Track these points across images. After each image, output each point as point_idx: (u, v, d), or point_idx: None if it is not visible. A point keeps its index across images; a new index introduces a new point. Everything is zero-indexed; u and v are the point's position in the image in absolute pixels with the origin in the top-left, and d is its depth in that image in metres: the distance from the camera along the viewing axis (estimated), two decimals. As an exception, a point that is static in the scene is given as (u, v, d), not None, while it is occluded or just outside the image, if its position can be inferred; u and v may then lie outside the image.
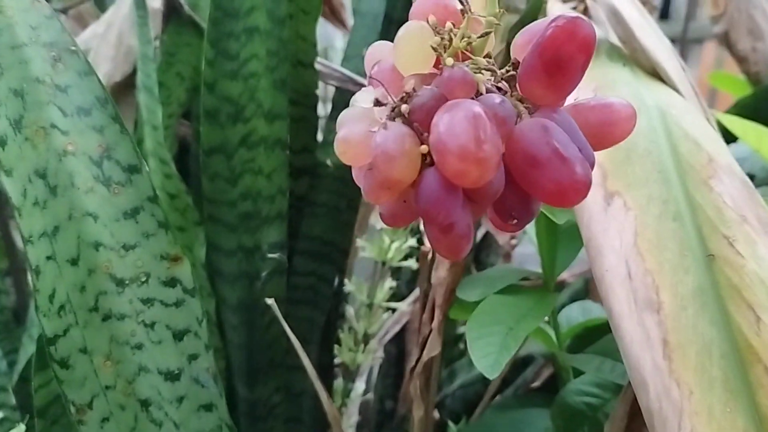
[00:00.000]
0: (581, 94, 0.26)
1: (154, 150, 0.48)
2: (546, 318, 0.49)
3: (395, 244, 0.71)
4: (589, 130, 0.24)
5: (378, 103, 0.24)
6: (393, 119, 0.22)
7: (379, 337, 0.78)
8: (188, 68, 0.54)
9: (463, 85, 0.22)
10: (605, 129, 0.25)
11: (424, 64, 0.23)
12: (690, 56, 1.17)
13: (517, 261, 0.80)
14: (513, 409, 0.56)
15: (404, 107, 0.22)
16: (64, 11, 0.71)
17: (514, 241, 0.76)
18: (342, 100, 0.57)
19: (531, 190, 0.22)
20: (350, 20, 0.77)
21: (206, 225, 0.49)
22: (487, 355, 0.40)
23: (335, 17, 0.74)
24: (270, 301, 0.47)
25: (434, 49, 0.23)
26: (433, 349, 0.48)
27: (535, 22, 0.23)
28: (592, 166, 0.23)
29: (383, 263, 0.73)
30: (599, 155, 0.35)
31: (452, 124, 0.20)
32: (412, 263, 0.65)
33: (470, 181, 0.21)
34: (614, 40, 0.40)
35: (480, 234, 0.82)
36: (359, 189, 0.24)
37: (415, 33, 0.22)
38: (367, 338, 0.71)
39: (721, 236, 0.30)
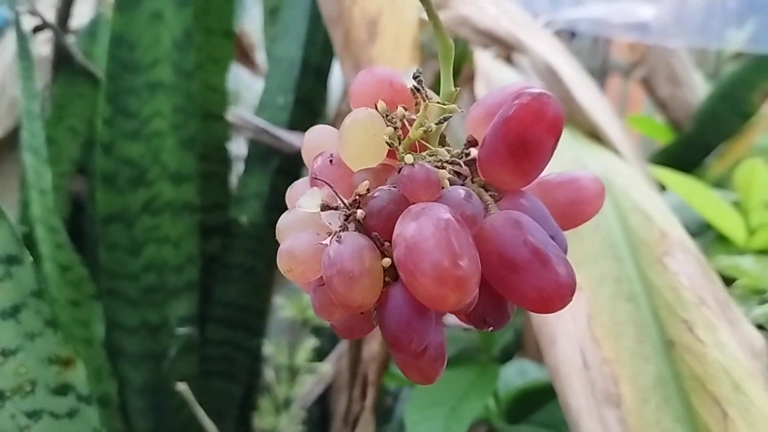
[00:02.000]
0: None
1: (42, 216, 0.41)
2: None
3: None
4: (558, 211, 0.21)
5: (326, 207, 0.20)
6: (347, 228, 0.19)
7: (300, 400, 0.73)
8: (82, 121, 0.48)
9: (427, 186, 0.18)
10: (575, 208, 0.22)
11: (376, 158, 0.20)
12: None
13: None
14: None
15: (359, 213, 0.18)
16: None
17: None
18: (257, 153, 0.53)
19: (509, 296, 0.19)
20: (263, 63, 0.73)
21: (105, 300, 0.43)
22: (430, 443, 0.36)
23: (246, 59, 0.70)
24: (182, 386, 0.42)
25: (389, 143, 0.19)
26: (366, 429, 0.44)
27: (490, 94, 0.20)
28: (565, 252, 0.20)
29: (304, 321, 0.68)
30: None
31: (420, 237, 0.16)
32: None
33: (448, 306, 0.17)
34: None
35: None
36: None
37: (364, 123, 0.19)
38: (288, 403, 0.66)
39: (680, 320, 0.28)
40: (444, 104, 0.19)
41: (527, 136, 0.19)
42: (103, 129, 0.38)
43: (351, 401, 0.45)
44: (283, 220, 0.20)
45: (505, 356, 0.53)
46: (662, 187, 0.52)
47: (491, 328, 0.20)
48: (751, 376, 0.27)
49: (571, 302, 0.30)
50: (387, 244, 0.18)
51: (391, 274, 0.18)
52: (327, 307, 0.19)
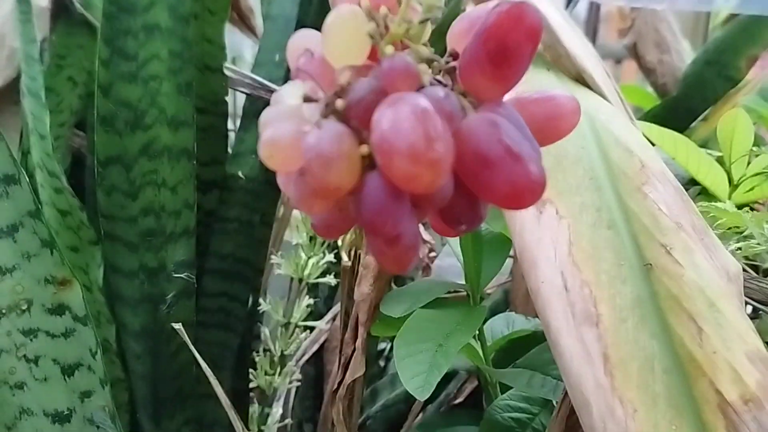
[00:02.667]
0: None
1: (41, 161, 0.42)
2: (471, 332, 0.47)
3: (312, 260, 0.68)
4: (534, 125, 0.22)
5: (308, 99, 0.21)
6: (327, 117, 0.20)
7: (296, 358, 0.74)
8: (81, 73, 0.49)
9: (405, 77, 0.19)
10: (551, 123, 0.23)
11: (358, 54, 0.21)
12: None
13: (436, 274, 0.79)
14: (438, 428, 0.54)
15: (339, 103, 0.19)
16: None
17: (433, 254, 0.74)
18: (253, 109, 0.53)
19: (482, 193, 0.20)
20: (260, 27, 0.73)
21: (103, 244, 0.44)
22: (417, 375, 0.37)
23: (244, 23, 0.70)
24: (177, 326, 0.43)
25: (371, 36, 0.20)
26: (357, 370, 0.45)
27: (473, 9, 0.21)
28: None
29: (300, 280, 0.69)
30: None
31: (397, 120, 0.17)
32: (330, 279, 0.62)
33: (422, 185, 0.18)
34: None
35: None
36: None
37: (347, 19, 0.20)
38: (283, 360, 0.67)
39: (658, 244, 0.29)
40: (423, 2, 0.20)
41: (506, 41, 0.20)
42: (101, 71, 0.39)
43: (342, 344, 0.46)
44: (266, 113, 0.21)
45: (494, 314, 0.54)
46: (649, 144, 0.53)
47: (464, 227, 0.21)
48: (726, 295, 0.28)
49: (553, 230, 0.31)
50: (366, 133, 0.19)
51: (369, 162, 0.19)
52: (306, 198, 0.20)
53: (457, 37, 0.23)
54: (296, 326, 0.68)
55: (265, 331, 0.67)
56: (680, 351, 0.27)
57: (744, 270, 0.41)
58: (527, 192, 0.19)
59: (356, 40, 0.20)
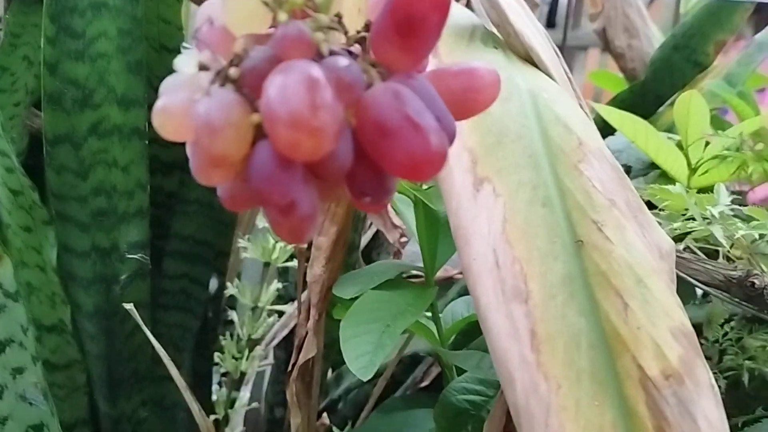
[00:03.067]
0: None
1: (-8, 140, 0.42)
2: (430, 314, 0.47)
3: (280, 244, 0.68)
4: (451, 98, 0.22)
5: (204, 67, 0.21)
6: (221, 85, 0.20)
7: (266, 342, 0.74)
8: (37, 51, 0.49)
9: (298, 45, 0.19)
10: (468, 96, 0.23)
11: (259, 23, 0.20)
12: (575, 62, 1.21)
13: (408, 259, 0.79)
14: (398, 411, 0.54)
15: (233, 71, 0.19)
16: None
17: (404, 239, 0.74)
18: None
19: (382, 163, 0.20)
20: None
21: (56, 224, 0.44)
22: (362, 356, 0.37)
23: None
24: (129, 306, 0.43)
25: (266, 4, 0.20)
26: (310, 351, 0.45)
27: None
28: (453, 135, 0.21)
29: (268, 264, 0.69)
30: (470, 141, 0.33)
31: (284, 88, 0.17)
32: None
33: (304, 153, 0.18)
34: (489, 24, 0.39)
35: (370, 232, 0.80)
36: None
37: (243, -16, 0.19)
38: (252, 344, 0.67)
39: (590, 221, 0.29)
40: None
41: (412, 11, 0.20)
42: (47, 48, 0.38)
43: (297, 326, 0.46)
44: (165, 83, 0.20)
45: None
46: (612, 130, 0.53)
47: (369, 198, 0.21)
48: (655, 272, 0.28)
49: (488, 208, 0.31)
50: (258, 101, 0.19)
51: (262, 132, 0.19)
52: (202, 167, 0.20)
53: (372, 7, 0.23)
54: (264, 310, 0.68)
55: (233, 315, 0.67)
56: (606, 327, 0.27)
57: (693, 252, 0.41)
58: (425, 163, 0.19)
59: (254, 7, 0.19)
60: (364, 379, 0.35)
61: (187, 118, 0.19)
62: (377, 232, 0.79)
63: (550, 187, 0.30)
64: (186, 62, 0.21)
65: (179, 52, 0.49)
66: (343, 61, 0.20)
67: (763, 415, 0.39)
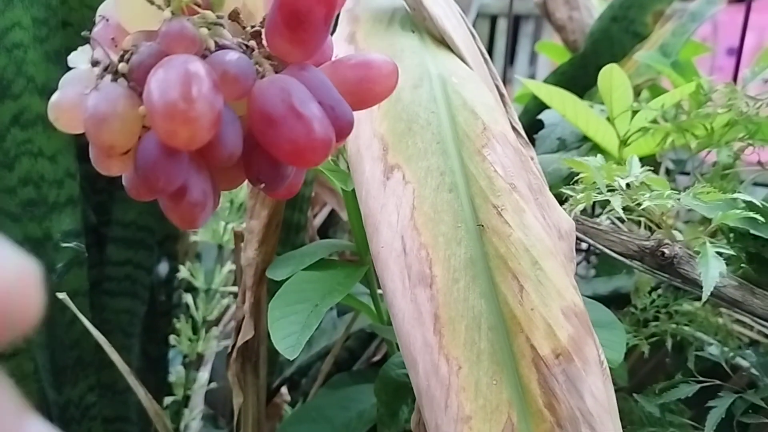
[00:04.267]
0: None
1: None
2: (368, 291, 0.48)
3: (231, 226, 0.68)
4: (348, 88, 0.23)
5: (96, 63, 0.21)
6: (114, 80, 0.20)
7: (224, 323, 0.75)
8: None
9: (181, 40, 0.20)
10: (364, 86, 0.24)
11: (150, 20, 0.21)
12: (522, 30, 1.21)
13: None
14: (344, 387, 0.55)
15: (122, 66, 0.20)
16: None
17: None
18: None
19: (271, 150, 0.21)
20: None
21: (-13, 216, 0.44)
22: (289, 336, 0.38)
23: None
24: (62, 295, 0.43)
25: (151, 2, 0.20)
26: (247, 333, 0.46)
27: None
28: (347, 124, 0.22)
29: (220, 246, 0.69)
30: (381, 128, 0.34)
31: (162, 81, 0.18)
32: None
33: (182, 141, 0.19)
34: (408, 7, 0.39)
35: (325, 211, 0.81)
36: None
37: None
38: (209, 326, 0.68)
39: (491, 206, 0.30)
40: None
41: (298, 6, 0.21)
42: (-39, 41, 0.38)
43: (236, 309, 0.46)
44: (63, 79, 0.21)
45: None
46: (546, 105, 0.54)
47: (264, 185, 0.22)
48: (552, 253, 0.29)
49: (398, 196, 0.31)
50: (145, 94, 0.19)
51: (149, 122, 0.19)
52: (99, 158, 0.21)
53: (268, 2, 0.23)
54: (217, 292, 0.69)
55: (188, 298, 0.67)
56: (504, 309, 0.28)
57: (613, 224, 0.42)
58: (309, 150, 0.20)
59: (144, 5, 0.20)
60: (291, 358, 0.36)
61: (78, 111, 0.20)
62: (332, 210, 0.80)
63: (456, 173, 0.31)
64: (80, 58, 0.22)
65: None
66: (232, 54, 0.20)
67: (682, 380, 0.41)
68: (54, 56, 0.41)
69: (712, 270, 0.34)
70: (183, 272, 0.65)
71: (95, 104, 0.19)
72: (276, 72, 0.22)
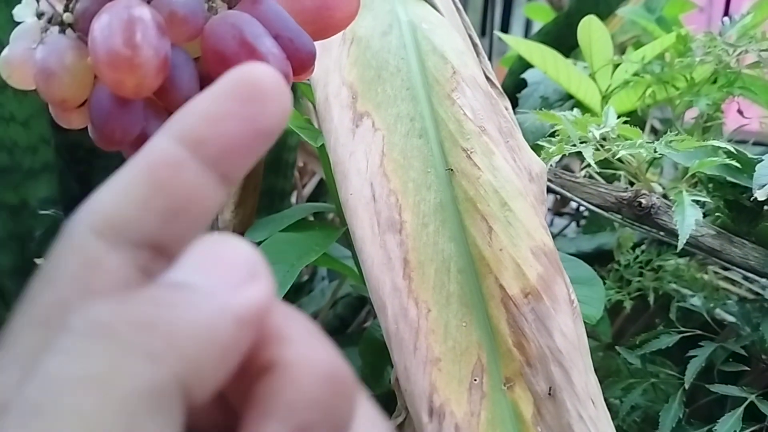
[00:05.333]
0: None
1: None
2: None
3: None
4: (307, 17, 0.22)
5: (41, 14, 0.21)
6: (62, 31, 0.20)
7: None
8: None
9: None
10: (324, 14, 0.23)
11: None
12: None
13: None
14: (331, 351, 0.55)
15: (66, 15, 0.20)
16: None
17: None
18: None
19: None
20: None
21: (-38, 183, 0.44)
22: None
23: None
24: (40, 261, 0.43)
25: None
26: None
27: None
28: (309, 55, 0.21)
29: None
30: (350, 76, 0.33)
31: (105, 28, 0.17)
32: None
33: (129, 90, 0.18)
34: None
35: (314, 181, 0.80)
36: None
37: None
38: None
39: (461, 149, 0.29)
40: None
41: None
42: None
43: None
44: (12, 34, 0.21)
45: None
46: (529, 64, 0.53)
47: None
48: (521, 195, 0.29)
49: (367, 143, 0.31)
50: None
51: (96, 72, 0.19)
52: (56, 112, 0.20)
53: None
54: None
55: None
56: (473, 251, 0.28)
57: (590, 177, 0.41)
58: None
59: None
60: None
61: (29, 67, 0.20)
62: (321, 179, 0.79)
63: (426, 118, 0.31)
64: (26, 11, 0.21)
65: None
66: None
67: (663, 331, 0.41)
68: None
69: (688, 218, 0.33)
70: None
71: (43, 58, 0.19)
72: (230, 7, 0.21)
